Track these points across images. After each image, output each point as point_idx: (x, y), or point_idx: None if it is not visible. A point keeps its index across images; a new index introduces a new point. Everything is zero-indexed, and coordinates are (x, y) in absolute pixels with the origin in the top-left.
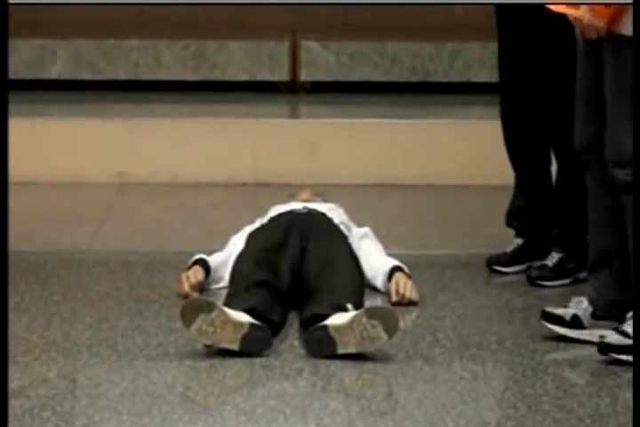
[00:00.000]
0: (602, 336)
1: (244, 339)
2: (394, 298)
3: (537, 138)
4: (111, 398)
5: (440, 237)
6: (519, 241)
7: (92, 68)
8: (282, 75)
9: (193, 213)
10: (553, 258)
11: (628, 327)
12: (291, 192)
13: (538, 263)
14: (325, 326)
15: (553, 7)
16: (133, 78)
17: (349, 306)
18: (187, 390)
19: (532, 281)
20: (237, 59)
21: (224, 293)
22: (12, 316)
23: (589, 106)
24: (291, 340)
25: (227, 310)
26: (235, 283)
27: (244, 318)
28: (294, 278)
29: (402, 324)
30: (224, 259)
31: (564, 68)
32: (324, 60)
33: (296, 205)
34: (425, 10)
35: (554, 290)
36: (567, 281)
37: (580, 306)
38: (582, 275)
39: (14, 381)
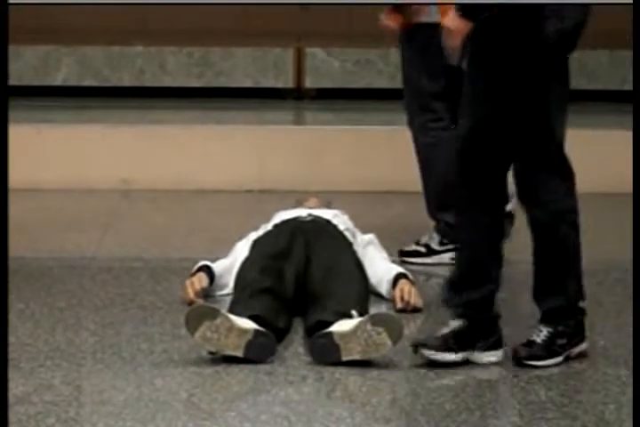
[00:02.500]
0: None
1: (249, 346)
2: (398, 305)
3: None
4: (115, 404)
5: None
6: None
7: (97, 75)
8: (286, 81)
9: (197, 219)
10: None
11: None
12: (298, 198)
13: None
14: (330, 333)
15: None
16: (138, 85)
17: (354, 313)
18: (191, 396)
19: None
20: (242, 65)
21: (228, 299)
22: (16, 322)
23: None
24: (295, 347)
25: (231, 316)
26: (239, 290)
27: (249, 324)
28: (299, 285)
29: (406, 331)
30: (228, 265)
31: None
32: (328, 66)
33: (301, 212)
34: None
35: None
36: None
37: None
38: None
39: (19, 387)
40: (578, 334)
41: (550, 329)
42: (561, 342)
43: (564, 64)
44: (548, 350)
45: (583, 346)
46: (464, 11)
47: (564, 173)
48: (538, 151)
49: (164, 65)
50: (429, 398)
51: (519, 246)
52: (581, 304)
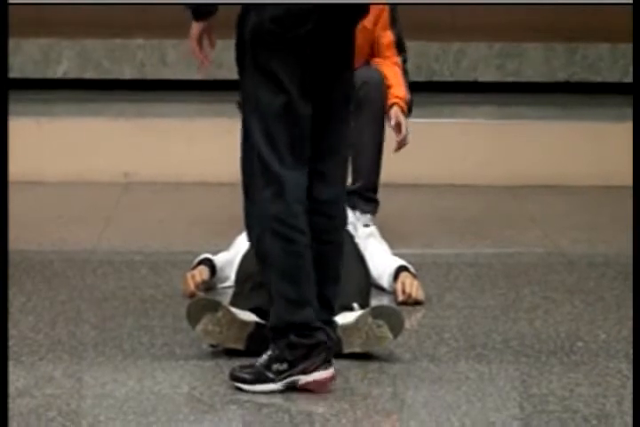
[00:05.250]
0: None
1: (250, 338)
2: (400, 298)
3: None
4: (117, 397)
5: (445, 236)
6: None
7: (98, 68)
8: None
9: (199, 212)
10: None
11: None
12: None
13: None
14: None
15: None
16: (139, 77)
17: (355, 306)
18: (192, 389)
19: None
20: None
21: (230, 292)
22: (18, 315)
23: None
24: None
25: (232, 309)
26: (240, 282)
27: (250, 317)
28: None
29: (407, 323)
30: (230, 258)
31: None
32: None
33: None
34: (431, 9)
35: (559, 290)
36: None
37: None
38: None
39: (20, 380)
40: (306, 361)
41: (270, 352)
42: (278, 367)
43: (279, 65)
44: (259, 374)
45: (316, 376)
46: (192, 12)
47: (267, 178)
48: (243, 155)
49: (164, 57)
50: (430, 390)
51: (518, 239)
52: (299, 321)
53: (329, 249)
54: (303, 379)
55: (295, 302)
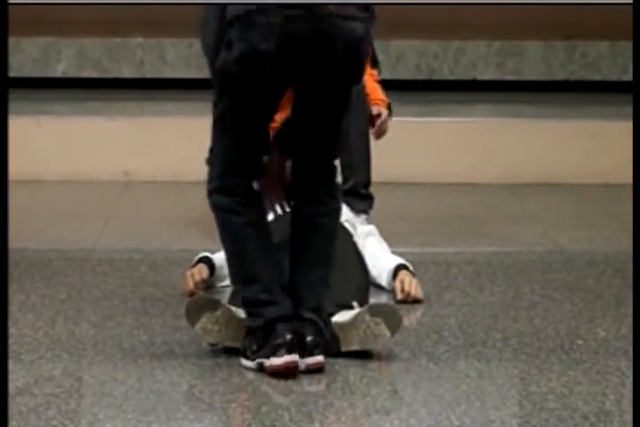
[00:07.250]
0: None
1: None
2: (399, 296)
3: None
4: (116, 396)
5: (445, 235)
6: None
7: (97, 67)
8: None
9: (198, 211)
10: None
11: None
12: None
13: None
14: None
15: None
16: (138, 76)
17: (355, 304)
18: (192, 388)
19: None
20: None
21: (229, 291)
22: (17, 314)
23: None
24: None
25: (232, 308)
26: None
27: None
28: None
29: (407, 322)
30: None
31: None
32: None
33: None
34: (430, 8)
35: (559, 288)
36: None
37: None
38: None
39: (19, 379)
40: (266, 346)
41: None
42: (252, 347)
43: (241, 97)
44: (245, 349)
45: (273, 361)
46: None
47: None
48: None
49: (164, 56)
50: (429, 389)
51: (517, 238)
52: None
53: (315, 235)
54: (267, 362)
55: (242, 280)
